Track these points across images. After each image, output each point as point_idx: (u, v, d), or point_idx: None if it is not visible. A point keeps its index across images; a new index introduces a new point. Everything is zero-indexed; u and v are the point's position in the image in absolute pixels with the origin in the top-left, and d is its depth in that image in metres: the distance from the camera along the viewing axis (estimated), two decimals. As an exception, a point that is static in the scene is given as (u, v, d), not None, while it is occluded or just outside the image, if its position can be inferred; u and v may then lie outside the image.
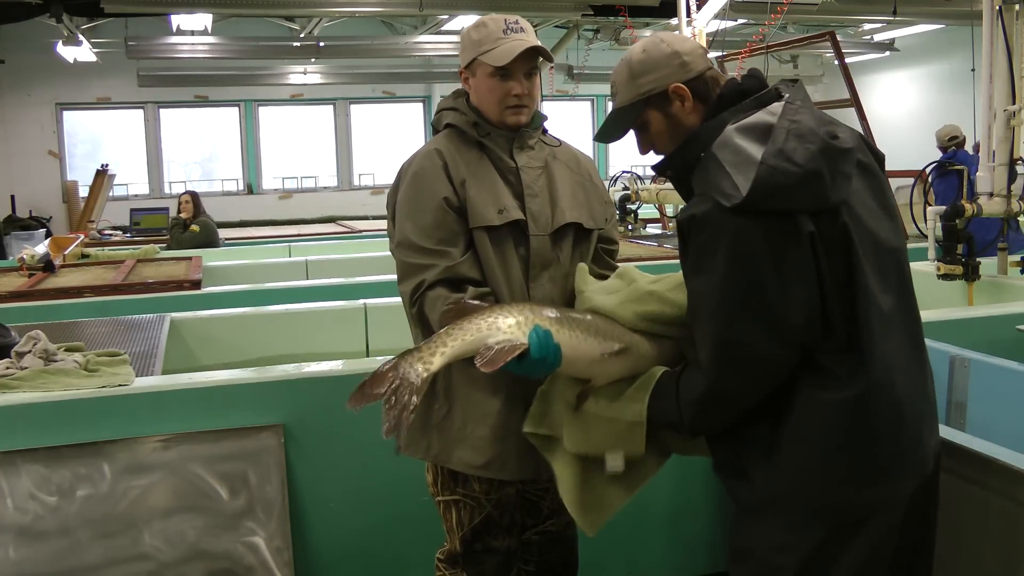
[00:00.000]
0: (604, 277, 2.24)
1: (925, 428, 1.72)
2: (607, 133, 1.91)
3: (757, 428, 1.70)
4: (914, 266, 4.83)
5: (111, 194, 10.93)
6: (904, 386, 1.67)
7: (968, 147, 7.29)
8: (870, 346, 1.62)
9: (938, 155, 7.02)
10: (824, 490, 1.65)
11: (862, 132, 5.57)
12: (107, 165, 10.26)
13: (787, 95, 1.71)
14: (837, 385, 1.63)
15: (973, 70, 4.58)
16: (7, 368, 2.79)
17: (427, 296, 2.04)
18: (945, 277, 4.12)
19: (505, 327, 1.81)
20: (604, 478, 1.95)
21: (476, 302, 1.92)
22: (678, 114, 1.79)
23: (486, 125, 2.17)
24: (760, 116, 1.67)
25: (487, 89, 2.14)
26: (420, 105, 14.23)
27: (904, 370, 1.68)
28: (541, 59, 2.14)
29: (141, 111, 13.11)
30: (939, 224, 4.17)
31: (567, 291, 2.18)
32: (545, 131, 2.29)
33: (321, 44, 10.96)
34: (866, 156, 1.74)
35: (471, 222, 2.09)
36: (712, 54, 6.25)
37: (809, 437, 1.64)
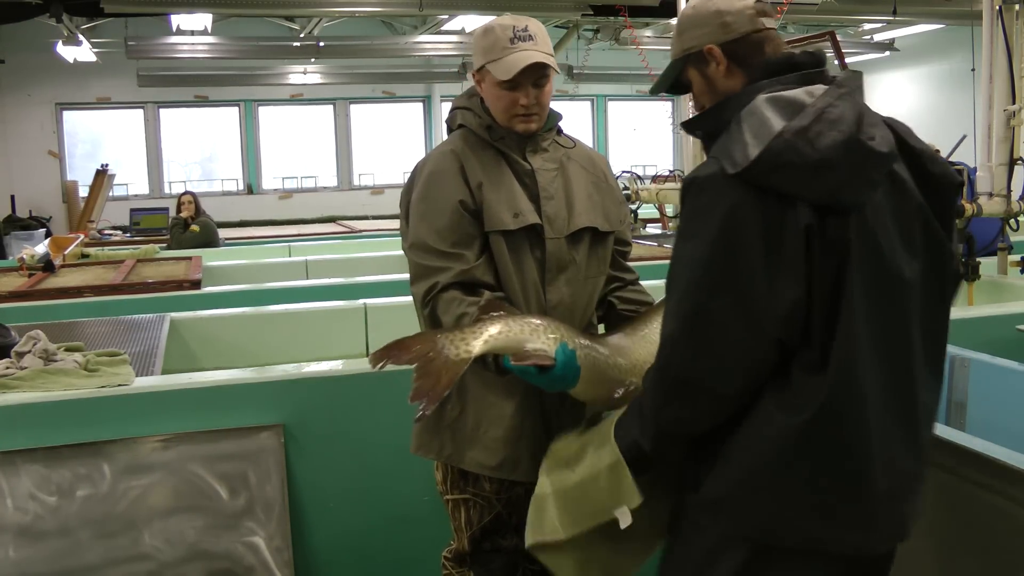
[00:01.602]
0: (618, 279, 2.25)
1: (902, 489, 1.57)
2: (656, 86, 1.86)
3: (713, 438, 1.59)
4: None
5: (111, 194, 10.93)
6: (877, 430, 1.53)
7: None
8: (836, 371, 1.49)
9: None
10: (761, 510, 1.55)
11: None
12: (107, 165, 10.27)
13: (838, 78, 1.59)
14: (796, 406, 1.51)
15: (973, 70, 4.58)
16: (7, 368, 2.79)
17: (441, 298, 2.03)
18: (945, 277, 4.11)
19: (544, 337, 1.86)
20: (605, 553, 1.84)
21: (512, 307, 1.97)
22: (713, 76, 1.69)
23: (499, 128, 2.15)
24: (797, 92, 1.55)
25: (495, 98, 2.12)
26: (420, 105, 14.22)
27: (878, 413, 1.53)
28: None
29: (141, 111, 13.09)
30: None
31: (584, 294, 2.17)
32: (560, 131, 2.27)
33: (321, 44, 10.95)
34: (906, 175, 1.59)
35: (486, 226, 2.08)
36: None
37: (758, 455, 1.54)
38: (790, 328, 1.50)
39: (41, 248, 6.46)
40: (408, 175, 2.22)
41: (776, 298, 1.48)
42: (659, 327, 1.64)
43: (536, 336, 1.85)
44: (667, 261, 1.62)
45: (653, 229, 8.04)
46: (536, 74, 2.09)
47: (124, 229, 10.35)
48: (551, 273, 2.12)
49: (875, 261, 1.52)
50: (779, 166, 1.47)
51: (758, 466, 1.54)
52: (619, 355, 1.95)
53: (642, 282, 2.34)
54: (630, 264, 2.34)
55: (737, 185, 1.49)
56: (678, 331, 1.55)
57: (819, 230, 1.48)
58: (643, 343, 1.98)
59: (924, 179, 1.61)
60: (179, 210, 8.17)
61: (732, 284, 1.49)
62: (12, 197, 12.14)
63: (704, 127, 1.70)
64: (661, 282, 1.66)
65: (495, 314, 1.88)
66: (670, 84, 1.82)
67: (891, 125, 1.62)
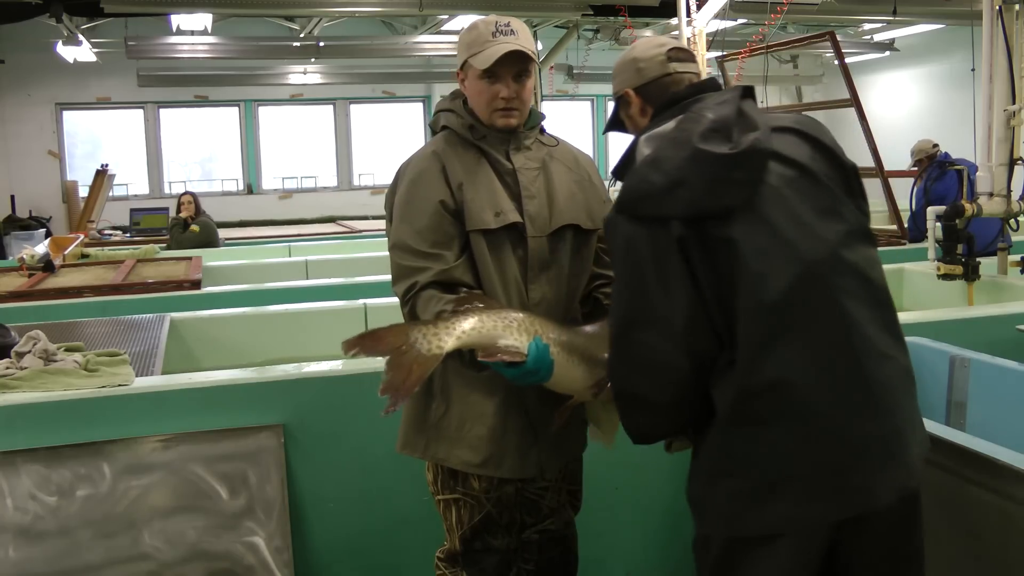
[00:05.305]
0: (602, 276, 2.26)
1: (867, 456, 1.65)
2: (607, 127, 2.07)
3: (697, 441, 1.78)
4: (914, 266, 4.90)
5: (111, 194, 10.92)
6: (816, 408, 1.63)
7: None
8: (750, 363, 1.63)
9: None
10: (723, 502, 1.70)
11: (866, 137, 5.59)
12: (107, 165, 10.26)
13: (698, 98, 1.78)
14: (731, 399, 1.65)
15: (973, 70, 4.57)
16: (7, 368, 2.78)
17: (420, 296, 2.06)
18: (945, 277, 4.12)
19: (518, 332, 1.87)
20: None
21: (491, 300, 1.98)
22: (634, 117, 1.92)
23: (481, 128, 2.17)
24: (667, 124, 1.75)
25: (476, 92, 2.15)
26: (420, 105, 14.22)
27: (816, 391, 1.63)
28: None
29: (141, 111, 13.09)
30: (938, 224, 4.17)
31: (567, 292, 2.19)
32: (543, 130, 2.29)
33: (321, 44, 10.95)
34: (810, 158, 1.73)
35: (467, 225, 2.10)
36: (712, 54, 6.24)
37: (712, 455, 1.71)
38: (696, 337, 1.66)
39: (41, 248, 6.46)
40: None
41: (675, 310, 1.65)
42: None
43: (509, 331, 1.86)
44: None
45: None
46: (516, 66, 2.11)
47: (124, 229, 10.36)
48: (533, 271, 2.14)
49: (779, 248, 1.64)
50: (640, 198, 1.69)
51: (713, 466, 1.71)
52: (596, 346, 1.97)
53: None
54: None
55: (625, 221, 1.71)
56: (612, 356, 1.79)
57: (698, 238, 1.64)
58: None
59: (839, 167, 1.77)
60: (179, 210, 8.17)
61: (640, 309, 1.70)
62: (12, 197, 12.14)
63: (619, 174, 1.86)
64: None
65: (470, 309, 1.89)
66: (612, 123, 2.04)
67: (800, 129, 1.75)
